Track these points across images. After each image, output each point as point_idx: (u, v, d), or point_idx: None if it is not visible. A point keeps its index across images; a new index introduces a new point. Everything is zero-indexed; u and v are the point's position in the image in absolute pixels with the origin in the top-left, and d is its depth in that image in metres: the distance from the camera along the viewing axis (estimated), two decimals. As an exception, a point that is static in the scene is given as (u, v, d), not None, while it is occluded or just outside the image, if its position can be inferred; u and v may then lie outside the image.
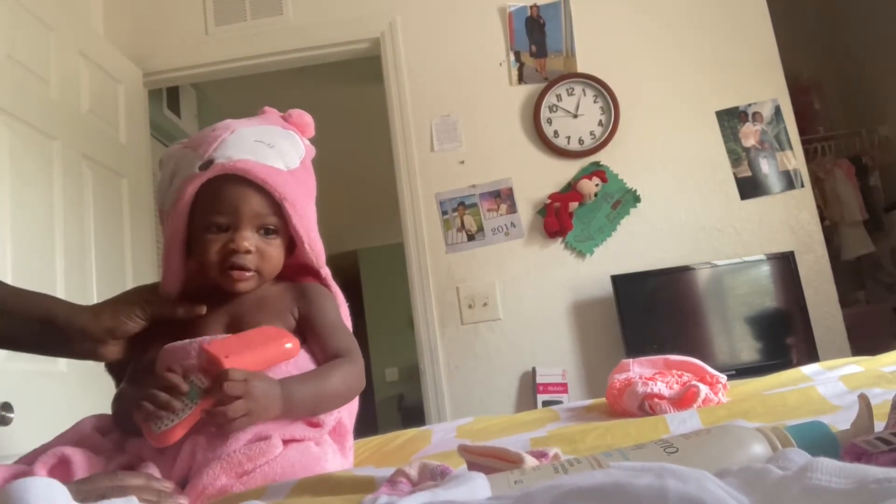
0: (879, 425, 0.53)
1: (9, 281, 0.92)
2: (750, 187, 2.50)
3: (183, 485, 0.71)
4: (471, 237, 2.51)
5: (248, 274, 0.83)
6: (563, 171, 2.53)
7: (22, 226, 1.76)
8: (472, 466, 0.56)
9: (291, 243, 0.88)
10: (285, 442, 0.76)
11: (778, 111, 2.53)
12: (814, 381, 1.12)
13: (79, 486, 0.61)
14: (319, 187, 0.94)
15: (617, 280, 2.35)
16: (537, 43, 2.62)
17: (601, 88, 2.55)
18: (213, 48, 2.69)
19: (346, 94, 3.76)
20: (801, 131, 2.60)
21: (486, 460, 0.55)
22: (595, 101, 2.56)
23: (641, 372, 1.16)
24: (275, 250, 0.86)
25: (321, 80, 3.58)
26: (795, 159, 2.51)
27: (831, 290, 2.43)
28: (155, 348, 0.83)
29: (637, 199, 2.49)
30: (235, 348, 0.73)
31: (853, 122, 3.25)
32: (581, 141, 2.54)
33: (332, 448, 0.83)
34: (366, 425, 1.07)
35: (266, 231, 0.85)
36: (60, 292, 1.86)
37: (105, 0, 2.71)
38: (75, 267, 1.97)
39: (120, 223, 2.29)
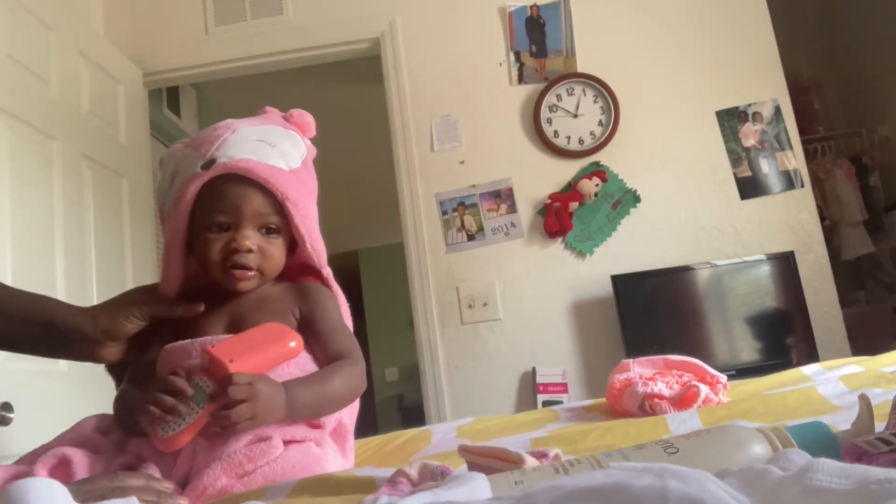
0: (880, 426, 0.53)
1: (9, 281, 0.92)
2: (750, 187, 2.50)
3: (183, 485, 0.71)
4: (471, 237, 2.52)
5: (249, 273, 0.83)
6: (563, 171, 2.53)
7: (22, 226, 1.76)
8: (473, 467, 0.56)
9: (293, 243, 0.88)
10: (286, 443, 0.76)
11: (778, 111, 2.53)
12: (814, 382, 1.11)
13: (79, 487, 0.61)
14: (320, 187, 0.94)
15: (617, 280, 2.35)
16: (537, 43, 2.62)
17: (601, 88, 2.55)
18: (213, 48, 2.69)
19: (346, 94, 3.76)
20: (801, 131, 2.60)
21: (487, 461, 0.55)
22: (595, 101, 2.56)
23: (641, 372, 1.16)
24: (276, 249, 0.86)
25: (321, 80, 3.58)
26: (795, 159, 2.51)
27: (831, 290, 2.43)
28: (155, 348, 0.83)
29: (637, 199, 2.49)
30: (239, 351, 0.73)
31: (853, 122, 3.25)
32: (581, 141, 2.54)
33: (332, 449, 0.83)
34: (366, 425, 1.07)
35: (268, 230, 0.85)
36: (60, 292, 1.86)
37: (105, 0, 2.71)
38: (75, 267, 1.97)
39: (120, 223, 2.29)
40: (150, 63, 2.65)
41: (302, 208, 0.85)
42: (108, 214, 2.21)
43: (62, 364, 1.79)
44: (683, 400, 1.03)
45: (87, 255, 2.04)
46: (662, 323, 2.36)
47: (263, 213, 0.83)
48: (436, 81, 2.62)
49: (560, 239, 2.49)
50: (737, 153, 2.52)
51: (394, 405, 5.94)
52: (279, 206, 0.83)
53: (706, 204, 2.50)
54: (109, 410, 0.85)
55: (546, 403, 2.27)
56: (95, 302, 1.09)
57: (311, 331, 0.86)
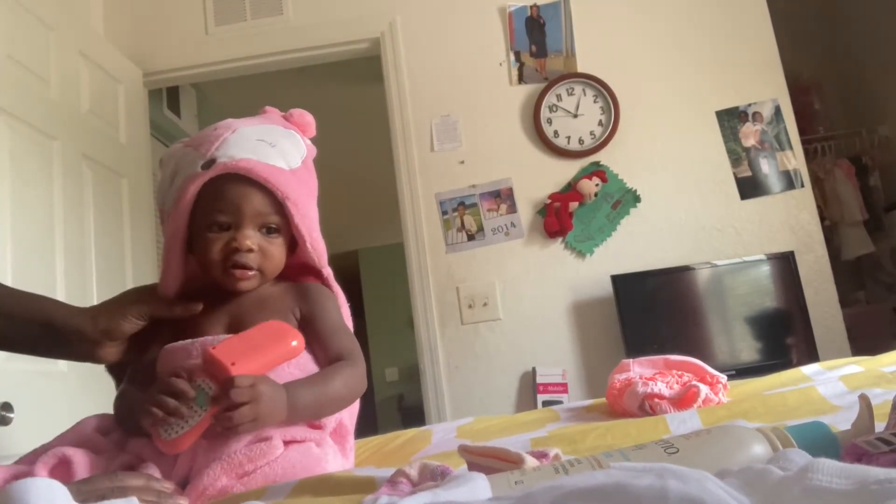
0: (880, 426, 0.53)
1: (9, 281, 0.92)
2: (750, 187, 2.50)
3: (183, 485, 0.71)
4: (471, 237, 2.52)
5: (250, 273, 0.83)
6: (563, 171, 2.53)
7: (22, 226, 1.76)
8: (473, 467, 0.56)
9: (293, 243, 0.88)
10: (286, 443, 0.76)
11: (778, 111, 2.53)
12: (814, 382, 1.11)
13: (79, 487, 0.61)
14: (320, 187, 0.94)
15: (617, 280, 2.35)
16: (537, 43, 2.62)
17: (601, 88, 2.55)
18: (213, 48, 2.69)
19: (346, 94, 3.76)
20: (801, 131, 2.60)
21: (487, 460, 0.55)
22: (595, 101, 2.56)
23: (641, 372, 1.16)
24: (277, 249, 0.86)
25: (321, 80, 3.58)
26: (795, 159, 2.51)
27: (831, 290, 2.43)
28: (155, 348, 0.83)
29: (637, 199, 2.49)
30: (240, 352, 0.73)
31: (853, 122, 3.25)
32: (581, 141, 2.54)
33: (332, 449, 0.83)
34: (366, 425, 1.07)
35: (268, 230, 0.85)
36: (60, 292, 1.86)
37: (105, 0, 2.71)
38: (75, 267, 1.97)
39: (120, 223, 2.29)
40: (150, 63, 2.65)
41: (302, 208, 0.85)
42: (108, 214, 2.21)
43: (62, 364, 1.79)
44: (683, 400, 1.03)
45: (87, 255, 2.04)
46: (662, 323, 2.36)
47: (264, 212, 0.83)
48: (436, 81, 2.62)
49: (560, 239, 2.49)
50: (737, 153, 2.52)
51: (394, 405, 5.94)
52: (279, 206, 0.83)
53: (706, 204, 2.50)
54: (109, 410, 0.85)
55: (546, 403, 2.27)
56: (95, 302, 1.09)
57: (311, 331, 0.86)
